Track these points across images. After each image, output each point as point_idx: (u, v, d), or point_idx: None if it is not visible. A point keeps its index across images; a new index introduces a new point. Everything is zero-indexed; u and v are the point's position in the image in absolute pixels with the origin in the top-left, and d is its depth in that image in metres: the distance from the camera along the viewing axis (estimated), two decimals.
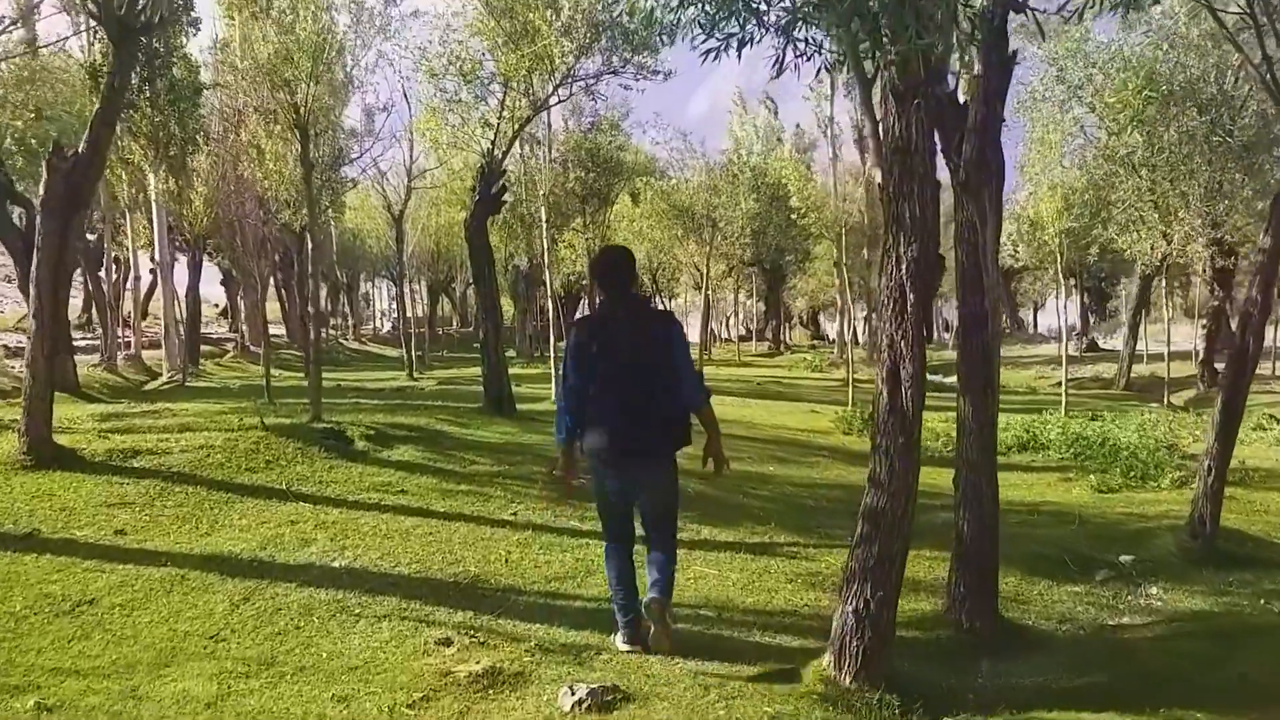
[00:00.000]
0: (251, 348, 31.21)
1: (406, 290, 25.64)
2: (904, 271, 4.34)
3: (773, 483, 8.58)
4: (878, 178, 4.61)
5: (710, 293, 41.93)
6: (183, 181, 17.70)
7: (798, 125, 41.48)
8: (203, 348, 29.63)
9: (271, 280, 39.26)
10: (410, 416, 10.43)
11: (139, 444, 7.91)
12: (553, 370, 14.20)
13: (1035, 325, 54.60)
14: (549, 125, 34.16)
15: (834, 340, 48.40)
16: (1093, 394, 21.58)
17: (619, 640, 4.87)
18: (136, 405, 12.47)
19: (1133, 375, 23.34)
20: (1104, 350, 36.31)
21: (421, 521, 6.67)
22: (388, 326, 59.27)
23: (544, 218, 14.72)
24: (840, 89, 34.83)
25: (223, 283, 43.15)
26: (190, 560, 5.58)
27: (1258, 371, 7.43)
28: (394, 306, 64.22)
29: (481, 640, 4.64)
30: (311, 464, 7.91)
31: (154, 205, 18.52)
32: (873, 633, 4.38)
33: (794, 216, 37.85)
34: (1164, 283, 22.15)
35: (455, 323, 60.76)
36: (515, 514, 7.06)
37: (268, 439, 8.31)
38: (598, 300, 5.42)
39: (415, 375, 21.14)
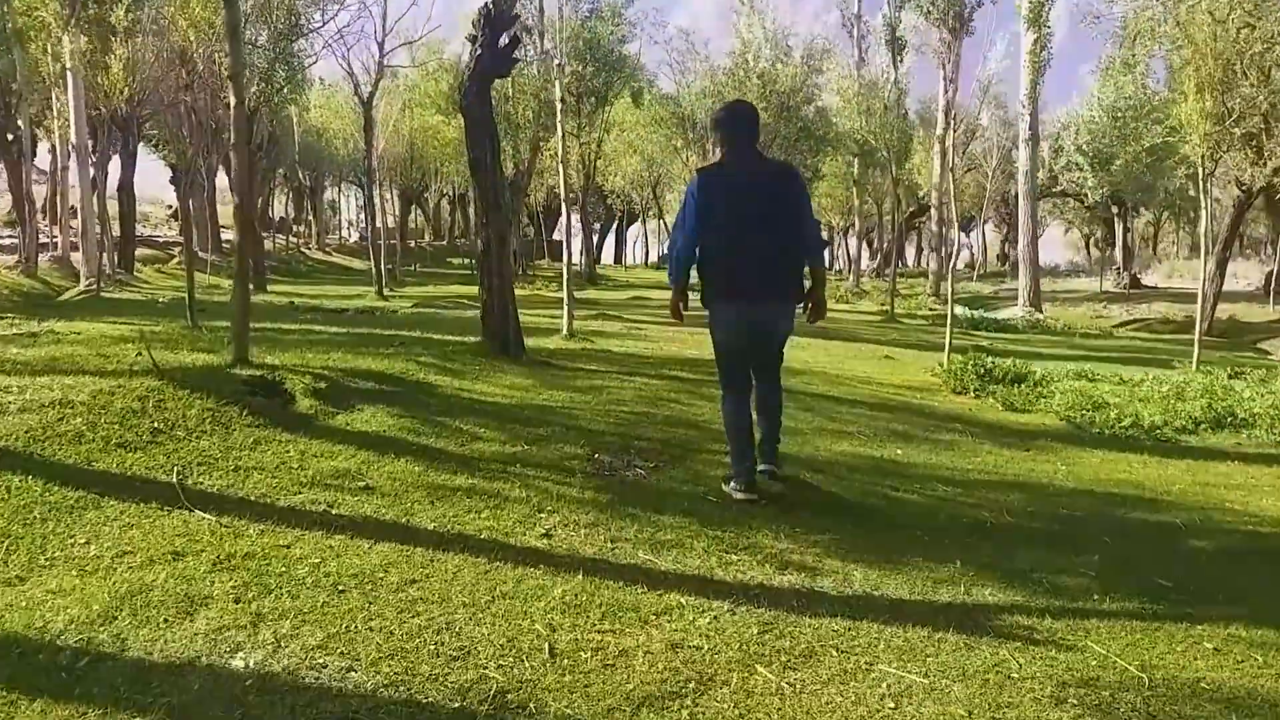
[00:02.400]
0: (200, 253, 28.08)
1: (376, 196, 22.41)
2: None
3: (914, 477, 5.89)
4: None
5: None
6: (96, 44, 14.46)
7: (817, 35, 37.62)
8: (144, 252, 26.44)
9: (226, 175, 35.87)
10: (379, 359, 7.62)
11: None
12: (564, 294, 11.36)
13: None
14: (541, 9, 30.73)
15: (848, 267, 45.54)
16: (1170, 340, 18.93)
17: (734, 489, 5.04)
18: (19, 322, 9.59)
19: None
20: (1148, 288, 33.45)
21: (398, 553, 3.94)
22: (355, 236, 55.77)
23: (558, 96, 11.73)
24: None
25: (172, 180, 39.61)
26: None
27: None
28: (362, 215, 60.78)
29: None
30: (226, 437, 5.13)
31: (68, 74, 15.26)
32: None
33: (810, 126, 34.80)
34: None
35: (428, 235, 57.30)
36: (549, 535, 4.34)
37: (161, 392, 5.49)
38: (721, 153, 5.22)
39: (385, 293, 18.12)
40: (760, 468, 5.09)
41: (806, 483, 5.53)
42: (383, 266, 18.22)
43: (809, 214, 5.18)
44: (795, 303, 5.13)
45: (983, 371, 9.39)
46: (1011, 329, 18.20)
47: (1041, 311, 23.57)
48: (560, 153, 11.86)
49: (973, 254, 51.40)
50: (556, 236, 48.93)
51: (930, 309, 25.03)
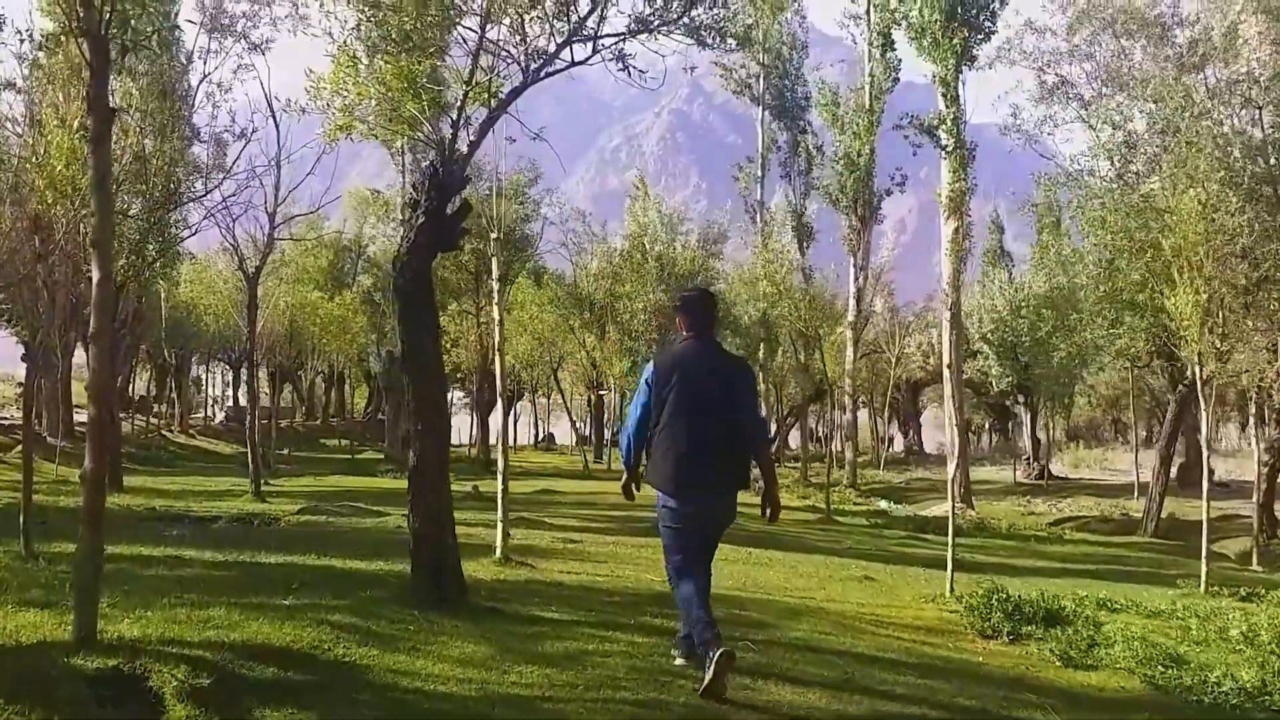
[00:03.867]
0: (49, 439, 25.05)
1: (252, 378, 20.20)
2: None
3: None
4: None
5: (610, 394, 37.63)
6: None
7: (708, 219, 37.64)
8: None
9: (84, 352, 32.89)
10: (277, 619, 5.62)
11: None
12: (499, 504, 9.47)
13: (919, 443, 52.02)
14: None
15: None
16: (1116, 542, 17.91)
17: (712, 655, 4.89)
18: None
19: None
20: (1059, 478, 32.70)
21: None
22: (220, 416, 52.35)
23: (496, 277, 10.31)
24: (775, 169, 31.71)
25: (23, 357, 36.32)
26: None
27: None
28: (227, 394, 57.39)
29: None
30: None
31: None
32: None
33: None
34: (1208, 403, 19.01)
35: (298, 415, 54.23)
36: None
37: None
38: (681, 336, 5.53)
39: (263, 488, 15.69)
40: (723, 649, 4.96)
41: None
42: (259, 462, 15.74)
43: (756, 406, 5.60)
44: (736, 489, 5.33)
45: (1010, 608, 7.84)
46: (959, 533, 16.81)
47: (973, 508, 22.63)
48: (498, 340, 10.28)
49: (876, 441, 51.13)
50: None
51: (855, 503, 23.81)
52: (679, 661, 5.43)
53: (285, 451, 30.70)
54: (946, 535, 9.11)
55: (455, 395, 57.46)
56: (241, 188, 14.61)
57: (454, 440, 54.76)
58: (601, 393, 38.00)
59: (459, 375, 41.83)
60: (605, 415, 39.84)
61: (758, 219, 30.17)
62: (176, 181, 13.99)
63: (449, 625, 6.00)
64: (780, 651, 6.22)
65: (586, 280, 32.64)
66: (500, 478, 9.60)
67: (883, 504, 23.14)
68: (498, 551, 9.08)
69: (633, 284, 31.90)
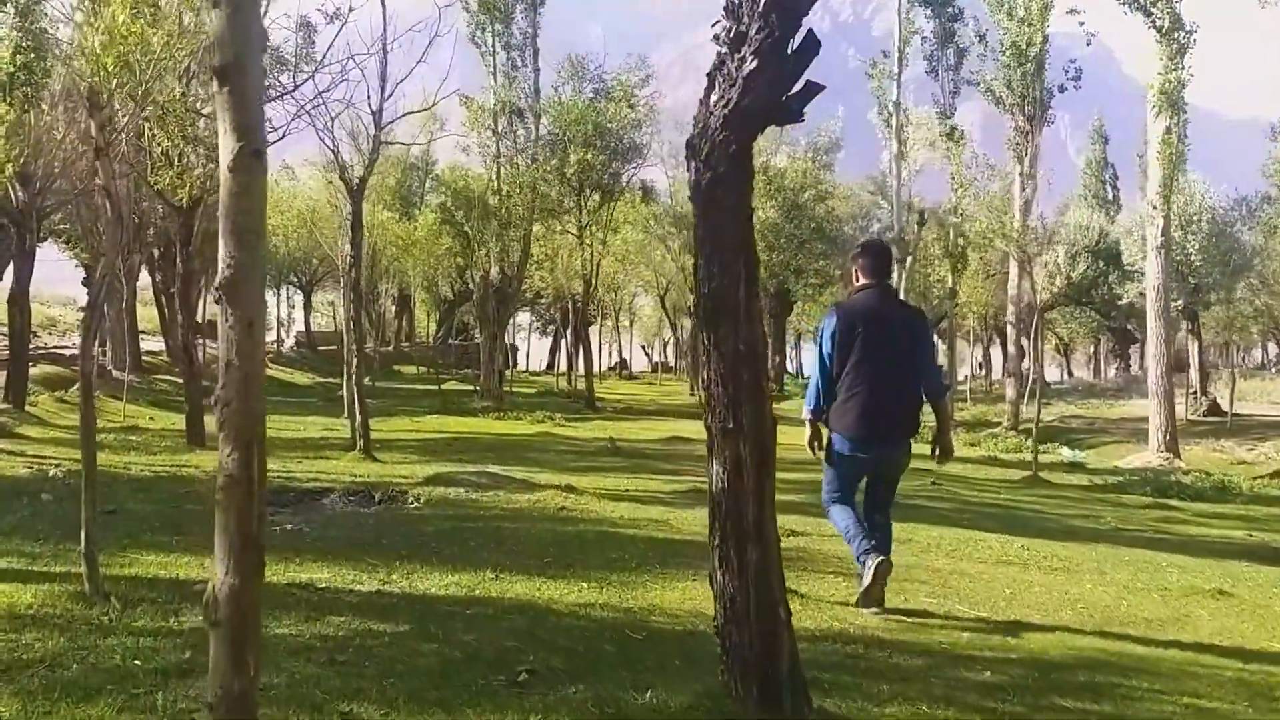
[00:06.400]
0: (114, 373, 23.00)
1: (343, 304, 17.67)
2: None
3: None
4: None
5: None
6: None
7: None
8: (45, 371, 21.32)
9: (149, 277, 30.75)
10: None
11: None
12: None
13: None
14: (537, 91, 26.81)
15: None
16: None
17: (865, 567, 5.38)
18: None
19: None
20: (1233, 414, 28.37)
21: None
22: (290, 342, 50.60)
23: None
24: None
25: (85, 282, 34.43)
26: None
27: None
28: (292, 317, 55.57)
29: None
30: None
31: None
32: None
33: (822, 226, 31.09)
34: None
35: (371, 341, 52.26)
36: None
37: None
38: (858, 286, 5.65)
39: (371, 449, 12.92)
40: (880, 557, 5.32)
41: None
42: (365, 412, 12.96)
43: (933, 352, 5.92)
44: (911, 436, 5.57)
45: None
46: (1199, 496, 13.76)
47: (1179, 457, 19.67)
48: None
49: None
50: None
51: (1029, 449, 20.97)
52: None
53: (371, 384, 28.52)
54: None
55: (527, 319, 55.23)
56: (336, 81, 11.92)
57: (520, 364, 52.44)
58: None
59: (540, 298, 39.32)
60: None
61: (893, 122, 26.76)
62: (262, 70, 11.40)
63: None
64: None
65: (686, 195, 29.63)
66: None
67: (1065, 452, 20.24)
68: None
69: None
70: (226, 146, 2.27)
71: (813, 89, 3.86)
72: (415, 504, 9.13)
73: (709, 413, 4.00)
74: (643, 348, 72.16)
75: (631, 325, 58.56)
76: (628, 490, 10.42)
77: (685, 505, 9.53)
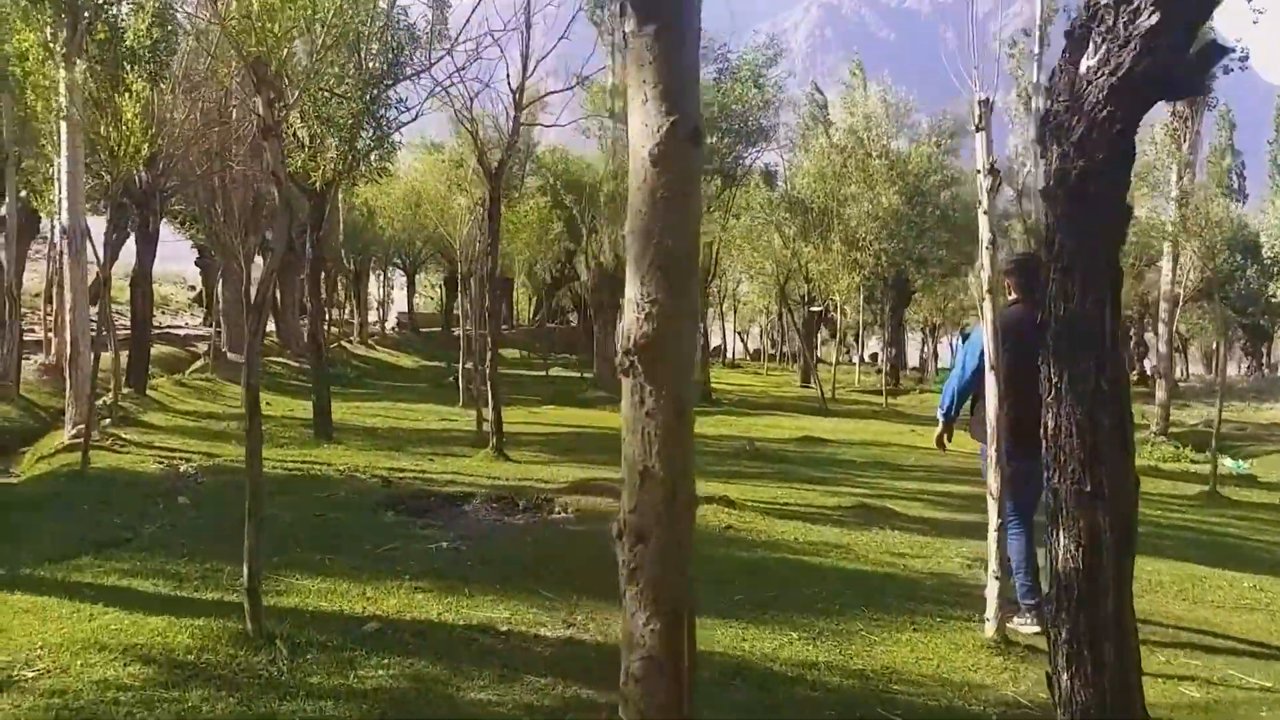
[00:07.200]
0: (230, 355, 22.94)
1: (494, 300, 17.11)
2: None
3: None
4: None
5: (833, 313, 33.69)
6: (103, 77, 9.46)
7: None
8: (162, 351, 21.30)
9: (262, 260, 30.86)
10: None
11: None
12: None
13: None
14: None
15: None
16: None
17: (1025, 624, 5.40)
18: None
19: None
20: None
21: None
22: (392, 323, 50.89)
23: None
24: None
25: (198, 262, 34.82)
26: None
27: None
28: (392, 297, 55.82)
29: None
30: None
31: (61, 124, 10.20)
32: None
33: (947, 213, 29.73)
34: None
35: (465, 323, 52.23)
36: None
37: None
38: (1010, 300, 5.71)
39: (503, 447, 12.10)
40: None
41: None
42: (499, 409, 12.10)
43: None
44: None
45: None
46: None
47: None
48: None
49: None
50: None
51: (1190, 459, 19.51)
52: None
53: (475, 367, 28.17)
54: None
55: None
56: (472, 58, 11.22)
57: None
58: (814, 309, 34.09)
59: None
60: (818, 333, 36.01)
61: (1034, 104, 25.26)
62: (397, 47, 10.78)
63: None
64: None
65: (805, 181, 28.41)
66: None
67: (1227, 463, 18.68)
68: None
69: (858, 184, 27.62)
70: (646, 122, 1.41)
71: (1216, 51, 2.95)
72: (562, 513, 8.42)
73: (1056, 469, 3.11)
74: (739, 334, 71.08)
75: (734, 311, 57.34)
76: (787, 504, 9.55)
77: (858, 525, 8.66)
